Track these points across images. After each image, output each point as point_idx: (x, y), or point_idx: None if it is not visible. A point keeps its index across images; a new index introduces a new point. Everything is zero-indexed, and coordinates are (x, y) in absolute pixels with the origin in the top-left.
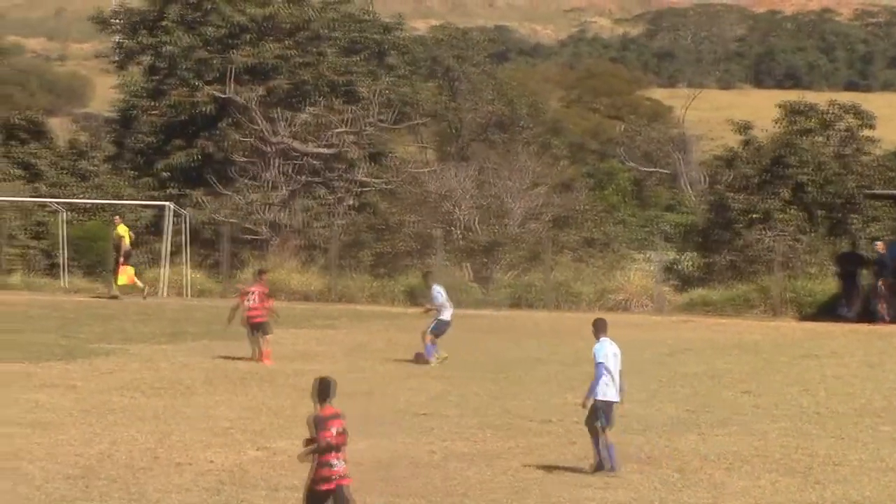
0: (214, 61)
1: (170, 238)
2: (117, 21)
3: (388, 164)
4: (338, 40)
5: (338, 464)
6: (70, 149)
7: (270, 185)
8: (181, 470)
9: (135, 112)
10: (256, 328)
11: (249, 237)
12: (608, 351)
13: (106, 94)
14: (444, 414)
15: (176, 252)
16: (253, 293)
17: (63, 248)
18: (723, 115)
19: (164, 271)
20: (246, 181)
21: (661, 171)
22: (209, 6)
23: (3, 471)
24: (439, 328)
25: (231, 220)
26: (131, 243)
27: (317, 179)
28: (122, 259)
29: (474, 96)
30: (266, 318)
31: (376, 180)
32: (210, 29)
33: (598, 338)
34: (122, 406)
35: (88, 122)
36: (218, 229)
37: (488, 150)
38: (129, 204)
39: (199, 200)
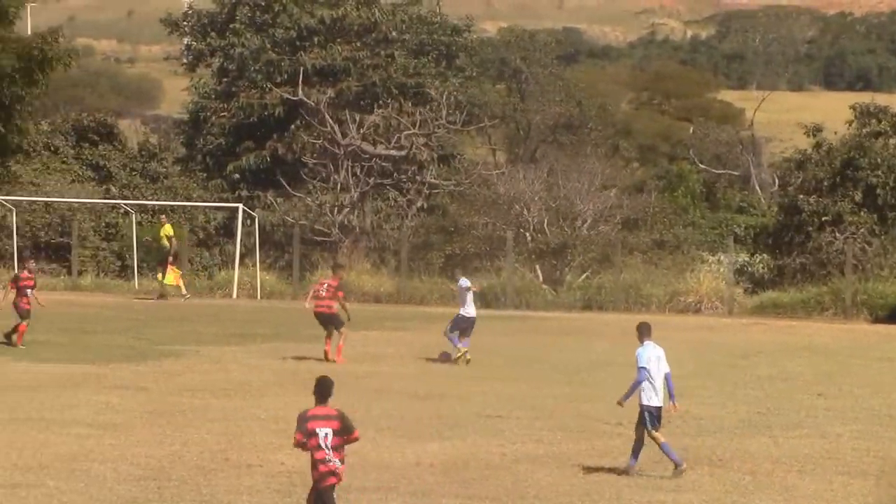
0: (284, 63)
1: (240, 240)
2: (187, 23)
3: (457, 166)
4: (407, 42)
5: (330, 462)
6: (140, 151)
7: (340, 186)
8: (252, 471)
9: (205, 114)
10: (324, 320)
11: (320, 239)
12: (650, 355)
13: (176, 96)
14: (516, 416)
15: (247, 254)
16: (324, 285)
17: (134, 250)
18: (793, 118)
19: (235, 273)
20: (316, 183)
21: (731, 173)
22: (278, 8)
23: (75, 472)
24: (456, 324)
25: (301, 222)
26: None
27: (387, 181)
28: (171, 259)
29: (543, 98)
30: (333, 310)
31: (446, 182)
32: (279, 31)
33: (641, 341)
34: (192, 407)
35: (158, 125)
36: (288, 231)
37: (557, 152)
38: (200, 206)
39: (270, 202)
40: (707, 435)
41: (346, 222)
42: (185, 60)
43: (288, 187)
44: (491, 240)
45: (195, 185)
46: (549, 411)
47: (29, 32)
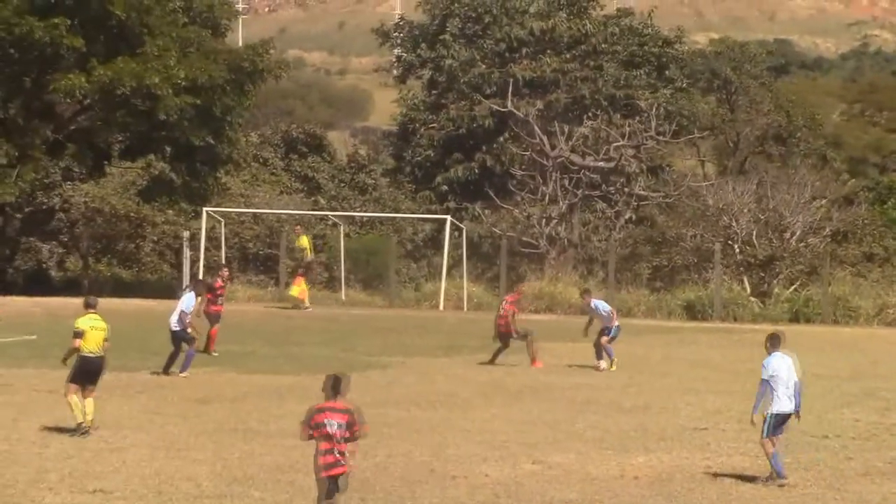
0: (493, 75)
1: (448, 251)
2: (398, 34)
3: (666, 178)
4: (617, 54)
5: (332, 454)
6: (349, 162)
7: (549, 198)
8: (456, 483)
9: (414, 126)
10: (499, 337)
11: (527, 251)
12: (779, 364)
13: (385, 107)
14: (722, 428)
15: (454, 265)
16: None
17: (342, 262)
18: None
19: (442, 284)
20: (524, 195)
21: None
22: (489, 20)
23: (280, 482)
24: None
25: (509, 234)
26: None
27: (595, 193)
28: (302, 270)
29: (752, 109)
30: (506, 328)
31: (655, 194)
32: (489, 42)
33: (770, 352)
34: (397, 419)
35: (367, 136)
36: (496, 243)
37: (767, 164)
38: (408, 217)
39: (478, 214)
40: None
41: (553, 234)
42: (395, 72)
43: (496, 199)
44: (699, 251)
45: (403, 196)
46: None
47: (240, 44)
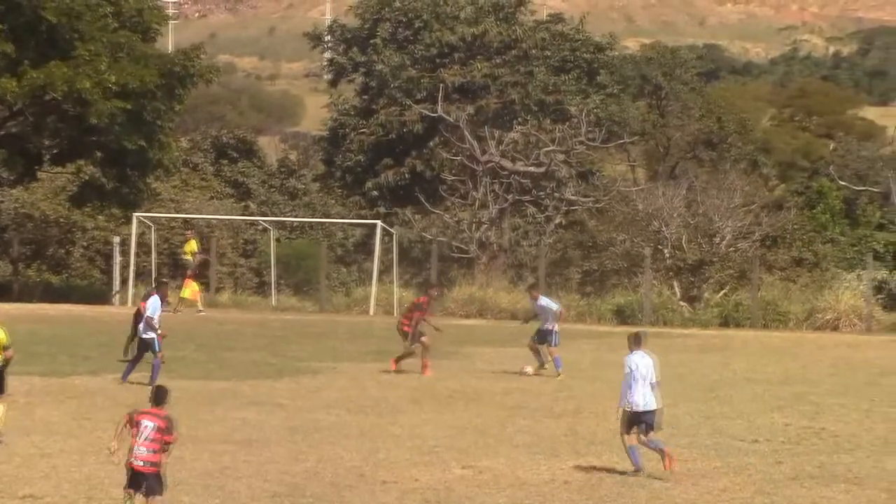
0: (424, 80)
1: (378, 256)
2: (330, 38)
3: (596, 183)
4: (548, 59)
5: (135, 449)
6: (280, 167)
7: (479, 203)
8: (387, 488)
9: (344, 131)
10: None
11: (458, 256)
12: (637, 362)
13: (315, 113)
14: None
15: (384, 270)
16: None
17: (272, 267)
18: None
19: (373, 290)
20: (454, 200)
21: (871, 189)
22: (419, 25)
23: (210, 487)
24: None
25: (440, 239)
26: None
27: (525, 198)
28: (191, 272)
29: (683, 114)
30: (409, 328)
31: (585, 199)
32: (420, 48)
33: (631, 350)
34: (328, 424)
35: (298, 141)
36: (426, 248)
37: (697, 169)
38: (339, 222)
39: (408, 219)
40: (843, 452)
41: (484, 239)
42: (326, 76)
43: (426, 204)
44: (629, 256)
45: (334, 201)
46: (685, 428)
47: (171, 49)
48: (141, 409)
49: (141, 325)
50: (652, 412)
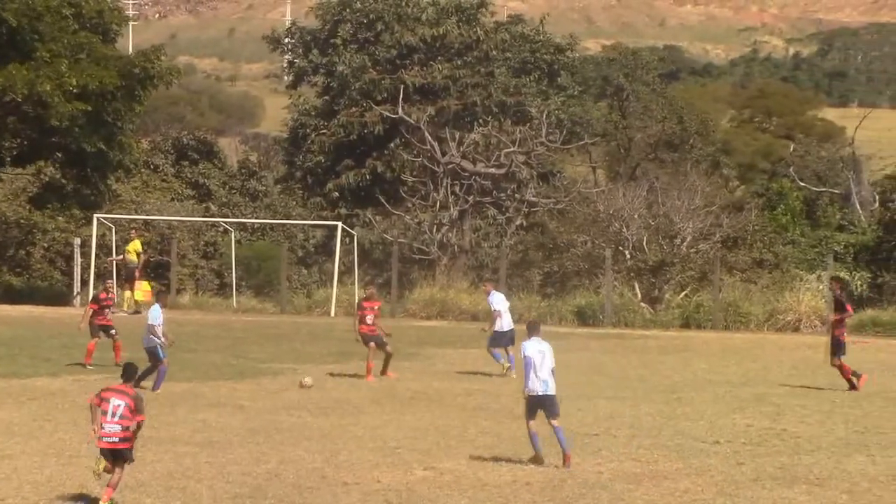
0: (385, 81)
1: (339, 258)
2: (289, 40)
3: (557, 184)
4: (509, 60)
5: (106, 426)
6: (240, 169)
7: (440, 204)
8: (348, 489)
9: (305, 132)
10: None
11: (418, 257)
12: (533, 348)
13: (276, 114)
14: (614, 434)
15: (346, 272)
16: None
17: (233, 268)
18: (895, 135)
19: (334, 291)
20: (415, 201)
21: (832, 191)
22: (381, 26)
23: (172, 489)
24: (496, 340)
25: (400, 240)
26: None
27: (486, 199)
28: (139, 273)
29: (644, 116)
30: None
31: (546, 200)
32: (381, 49)
33: (529, 337)
34: (289, 425)
35: (258, 143)
36: (387, 249)
37: (658, 170)
38: (299, 224)
39: (369, 220)
40: (804, 453)
41: (444, 240)
42: (286, 78)
43: (387, 205)
44: (590, 257)
45: (294, 203)
46: (646, 430)
47: (131, 50)
48: (108, 387)
49: (143, 337)
50: (551, 397)
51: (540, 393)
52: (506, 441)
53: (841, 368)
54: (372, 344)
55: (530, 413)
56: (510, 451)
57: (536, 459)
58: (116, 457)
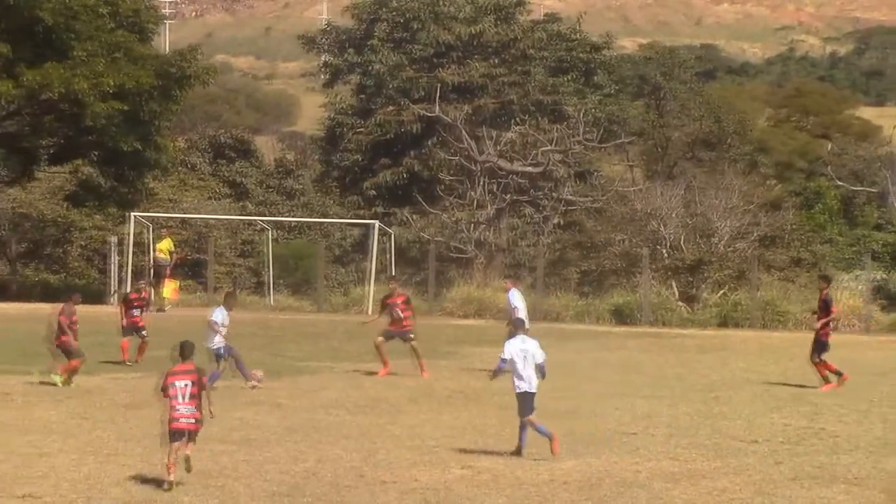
0: (421, 80)
1: (376, 257)
2: (325, 40)
3: (594, 183)
4: (545, 59)
5: (180, 409)
6: (277, 167)
7: (476, 203)
8: (386, 488)
9: (341, 130)
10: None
11: (455, 256)
12: (517, 348)
13: (312, 112)
14: (652, 433)
15: (382, 271)
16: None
17: (269, 267)
18: None
19: (370, 289)
20: (452, 200)
21: (869, 190)
22: (416, 25)
23: (209, 488)
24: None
25: (437, 239)
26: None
27: (523, 198)
28: (168, 272)
29: (681, 114)
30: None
31: (583, 199)
32: (417, 48)
33: (514, 335)
34: (327, 424)
35: (295, 141)
36: (424, 248)
37: (695, 169)
38: (336, 222)
39: (406, 219)
40: (843, 453)
41: (481, 239)
42: (322, 77)
43: (424, 204)
44: (627, 256)
45: (331, 201)
46: (684, 429)
47: (167, 50)
48: (169, 372)
49: (209, 339)
50: (533, 395)
51: (524, 390)
52: (543, 440)
53: (822, 366)
54: (379, 339)
55: (525, 410)
56: (547, 449)
57: (517, 449)
58: (191, 437)
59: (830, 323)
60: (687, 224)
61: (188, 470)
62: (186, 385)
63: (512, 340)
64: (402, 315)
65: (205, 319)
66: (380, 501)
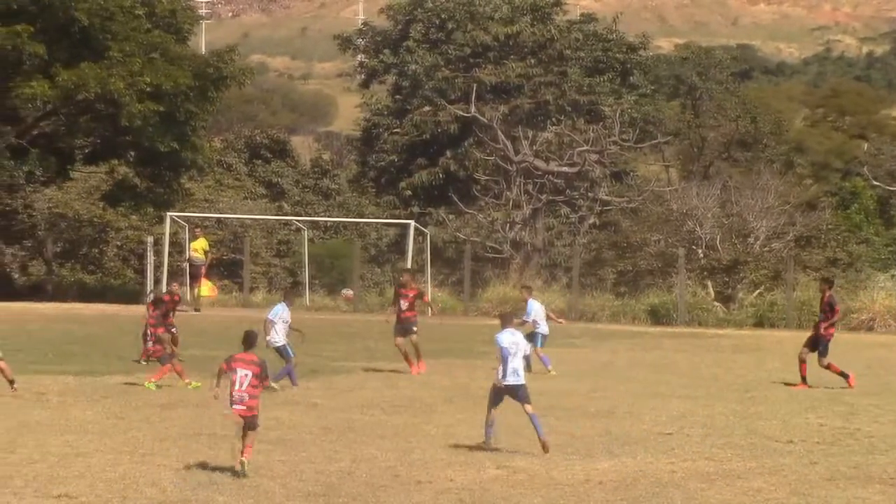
0: (458, 80)
1: (412, 256)
2: (361, 40)
3: (630, 183)
4: (581, 59)
5: (235, 395)
6: (313, 167)
7: (513, 203)
8: (421, 488)
9: (378, 131)
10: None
11: (491, 256)
12: (508, 339)
13: (348, 112)
14: (687, 433)
15: (418, 270)
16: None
17: (305, 267)
18: None
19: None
20: (488, 200)
21: None
22: (452, 25)
23: (245, 487)
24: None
25: (473, 239)
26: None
27: (559, 198)
28: (205, 271)
29: (717, 114)
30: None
31: (619, 199)
32: (453, 48)
33: (502, 328)
34: (362, 424)
35: (331, 141)
36: (460, 248)
37: (731, 169)
38: (372, 222)
39: (442, 219)
40: (879, 453)
41: (517, 239)
42: (358, 77)
43: (460, 204)
44: (663, 256)
45: (367, 201)
46: (719, 429)
47: (203, 50)
48: (235, 356)
49: (269, 336)
50: (522, 386)
51: (512, 383)
52: (578, 439)
53: (830, 367)
54: (398, 340)
55: (495, 401)
56: (583, 449)
57: (485, 446)
58: (247, 424)
59: (835, 324)
60: (723, 224)
61: (243, 475)
62: (247, 375)
63: (502, 334)
64: (403, 307)
65: (243, 318)
66: (415, 501)
